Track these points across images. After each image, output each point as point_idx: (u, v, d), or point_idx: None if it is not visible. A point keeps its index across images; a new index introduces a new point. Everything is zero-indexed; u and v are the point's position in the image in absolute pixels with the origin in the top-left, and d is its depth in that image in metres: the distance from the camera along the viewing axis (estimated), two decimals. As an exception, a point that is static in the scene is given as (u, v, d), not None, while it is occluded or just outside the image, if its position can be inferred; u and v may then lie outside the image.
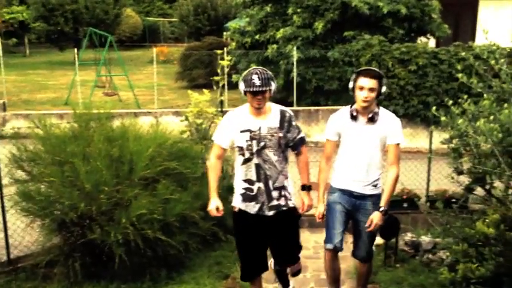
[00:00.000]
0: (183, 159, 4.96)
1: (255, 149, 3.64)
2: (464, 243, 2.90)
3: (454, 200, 5.73)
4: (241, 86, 3.58)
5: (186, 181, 4.87)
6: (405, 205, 6.06)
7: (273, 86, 3.59)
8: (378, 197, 3.81)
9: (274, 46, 11.78)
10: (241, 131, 3.63)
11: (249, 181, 3.72)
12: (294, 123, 3.77)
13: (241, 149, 3.66)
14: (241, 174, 3.74)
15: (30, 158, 4.64)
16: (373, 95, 3.59)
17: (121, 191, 4.36)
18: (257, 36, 12.38)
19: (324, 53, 11.31)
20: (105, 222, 4.24)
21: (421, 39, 12.33)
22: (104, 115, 5.01)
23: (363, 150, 3.71)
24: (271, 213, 3.74)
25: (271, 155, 3.66)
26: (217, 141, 3.77)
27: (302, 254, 5.44)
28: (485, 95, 3.11)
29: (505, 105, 2.80)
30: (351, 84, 3.73)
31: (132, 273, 4.43)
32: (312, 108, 11.16)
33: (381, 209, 3.70)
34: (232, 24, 14.46)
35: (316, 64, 11.46)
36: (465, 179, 3.21)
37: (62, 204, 4.23)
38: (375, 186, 3.81)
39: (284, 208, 3.77)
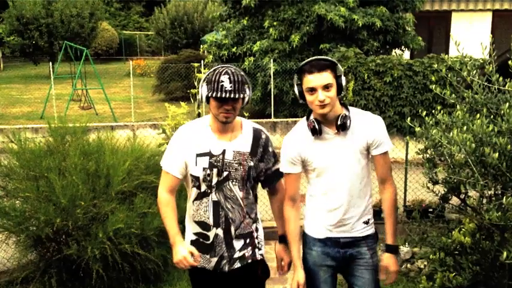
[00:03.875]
0: (160, 172, 4.92)
1: (214, 180, 2.63)
2: (441, 252, 2.93)
3: (430, 210, 5.81)
4: (203, 90, 2.58)
5: (163, 194, 4.83)
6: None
7: (248, 93, 2.62)
8: (373, 238, 2.78)
9: (251, 59, 11.84)
10: (199, 154, 2.63)
11: (202, 225, 2.71)
12: (270, 148, 2.75)
13: (196, 179, 2.65)
14: (193, 214, 2.73)
15: (4, 173, 4.57)
16: (332, 93, 2.52)
17: (97, 205, 4.31)
18: (234, 49, 12.44)
19: (301, 66, 11.39)
20: (81, 238, 4.18)
21: (396, 51, 12.53)
22: (80, 129, 4.96)
23: (340, 173, 2.63)
24: (232, 268, 2.77)
25: (236, 190, 2.66)
26: (167, 167, 2.71)
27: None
28: (458, 106, 3.16)
29: (478, 115, 2.85)
30: (296, 90, 2.67)
31: (109, 288, 4.38)
32: (290, 119, 11.22)
33: (392, 248, 2.73)
34: (209, 37, 14.49)
35: (293, 76, 11.53)
36: (441, 189, 3.25)
37: (38, 220, 4.17)
38: (367, 223, 2.75)
39: (249, 261, 2.78)
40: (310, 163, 2.66)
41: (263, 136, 2.75)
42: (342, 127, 2.57)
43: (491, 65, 3.17)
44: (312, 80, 2.52)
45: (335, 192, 2.67)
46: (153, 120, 12.31)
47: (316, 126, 2.58)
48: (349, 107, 2.68)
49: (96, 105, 14.82)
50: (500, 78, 3.13)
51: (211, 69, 2.60)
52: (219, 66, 2.59)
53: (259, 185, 2.88)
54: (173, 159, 2.69)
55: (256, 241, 2.82)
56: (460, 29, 14.23)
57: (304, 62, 2.63)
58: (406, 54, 13.28)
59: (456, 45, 3.40)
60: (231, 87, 2.49)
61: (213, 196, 2.66)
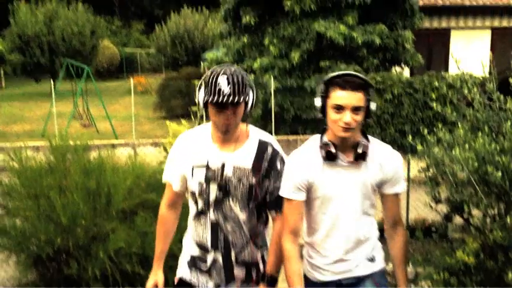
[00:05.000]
0: (161, 190, 4.90)
1: (212, 197, 2.33)
2: (445, 273, 2.90)
3: (434, 229, 5.78)
4: (201, 95, 2.26)
5: (164, 213, 4.82)
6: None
7: (251, 96, 2.27)
8: (380, 274, 2.44)
9: (252, 76, 11.89)
10: (195, 167, 2.35)
11: (201, 246, 2.44)
12: (279, 164, 2.36)
13: (192, 194, 2.40)
14: (193, 232, 2.47)
15: (5, 191, 4.55)
16: (360, 117, 2.21)
17: (98, 224, 4.29)
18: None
19: (301, 83, 11.44)
20: (82, 257, 4.15)
21: (396, 69, 12.57)
22: (81, 147, 4.95)
23: (347, 206, 2.32)
24: None
25: (237, 209, 2.34)
26: (166, 178, 2.53)
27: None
28: (459, 124, 3.15)
29: (479, 134, 2.85)
30: (318, 102, 2.29)
31: (110, 308, 4.34)
32: (291, 137, 11.22)
33: None
34: (209, 54, 14.56)
35: (294, 94, 11.57)
36: (444, 208, 3.24)
37: (38, 239, 4.14)
38: (372, 260, 2.42)
39: None
40: (315, 190, 2.31)
41: (269, 150, 2.35)
42: (361, 157, 2.26)
43: (492, 83, 3.18)
44: (343, 97, 2.18)
45: (339, 227, 2.34)
46: (154, 137, 12.31)
47: (333, 151, 2.25)
48: (370, 137, 2.38)
49: (97, 122, 14.83)
50: (501, 96, 3.14)
51: (209, 71, 2.27)
52: (217, 66, 2.26)
53: None
54: (171, 170, 2.48)
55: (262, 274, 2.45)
56: (459, 46, 14.32)
57: (336, 73, 2.27)
58: (406, 72, 13.34)
59: (457, 63, 3.41)
60: (229, 89, 2.15)
61: (211, 215, 2.36)
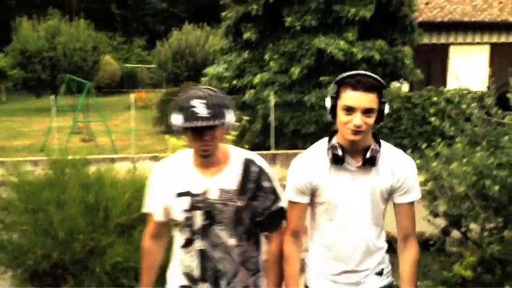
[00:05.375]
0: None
1: (198, 224, 2.19)
2: (442, 286, 2.89)
3: (431, 243, 5.76)
4: (177, 119, 2.10)
5: (163, 227, 4.80)
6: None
7: (229, 117, 2.10)
8: None
9: (252, 91, 11.92)
10: (178, 194, 2.21)
11: (189, 277, 2.29)
12: (266, 183, 2.22)
13: (177, 223, 2.25)
14: (179, 263, 2.32)
15: (3, 206, 4.54)
16: (372, 120, 2.08)
17: (96, 238, 4.26)
18: (235, 82, 12.54)
19: (301, 98, 11.46)
20: (78, 272, 4.13)
21: (395, 84, 12.61)
22: (80, 161, 4.95)
23: (354, 213, 2.17)
24: None
25: (224, 236, 2.20)
26: (148, 209, 2.38)
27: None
28: (457, 138, 3.16)
29: (478, 148, 2.85)
30: (328, 102, 2.16)
31: (106, 324, 4.30)
32: (290, 151, 11.21)
33: None
34: (210, 70, 14.65)
35: (294, 108, 11.59)
36: (441, 221, 3.23)
37: (35, 254, 4.12)
38: (380, 273, 2.27)
39: None
40: (320, 194, 2.17)
41: (254, 169, 2.20)
42: (370, 161, 2.11)
43: (490, 98, 3.19)
44: (354, 98, 2.06)
45: (346, 236, 2.19)
46: (153, 152, 12.31)
47: (340, 154, 2.10)
48: (382, 141, 2.25)
49: (98, 137, 14.86)
50: (499, 111, 3.14)
51: (186, 93, 2.13)
52: (193, 88, 2.14)
53: None
54: (153, 200, 2.34)
55: None
56: (457, 61, 14.39)
57: (347, 73, 2.17)
58: (405, 87, 13.38)
59: (455, 78, 3.43)
60: (207, 112, 2.01)
61: (198, 244, 2.21)
